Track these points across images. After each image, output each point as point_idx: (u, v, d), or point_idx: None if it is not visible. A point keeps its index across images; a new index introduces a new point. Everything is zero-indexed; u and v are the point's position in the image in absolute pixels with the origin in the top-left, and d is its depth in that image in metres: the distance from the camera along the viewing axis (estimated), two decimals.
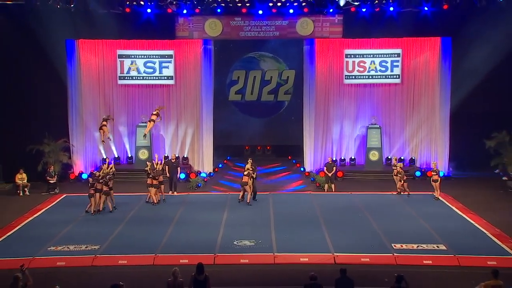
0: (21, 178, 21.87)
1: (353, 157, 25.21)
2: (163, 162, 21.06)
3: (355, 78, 24.83)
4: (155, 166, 20.04)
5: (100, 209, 18.30)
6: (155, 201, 19.39)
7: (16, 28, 22.68)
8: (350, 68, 24.72)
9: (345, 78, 24.79)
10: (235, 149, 28.23)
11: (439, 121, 24.33)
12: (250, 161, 20.40)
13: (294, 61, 26.39)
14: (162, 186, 19.91)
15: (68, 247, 15.04)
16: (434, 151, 24.62)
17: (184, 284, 10.84)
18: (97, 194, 18.29)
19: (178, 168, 21.96)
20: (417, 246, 14.95)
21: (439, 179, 20.22)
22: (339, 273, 11.29)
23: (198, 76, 24.62)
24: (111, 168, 19.49)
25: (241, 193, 19.67)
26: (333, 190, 21.66)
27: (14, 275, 10.33)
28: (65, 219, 17.80)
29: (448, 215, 18.21)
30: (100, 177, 18.51)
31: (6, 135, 23.49)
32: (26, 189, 21.82)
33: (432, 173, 20.54)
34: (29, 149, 22.42)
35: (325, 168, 22.14)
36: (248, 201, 19.40)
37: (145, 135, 22.73)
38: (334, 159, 24.06)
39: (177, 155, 23.55)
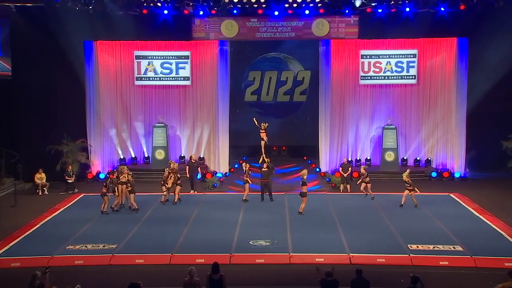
0: (40, 177, 22.09)
1: (368, 158, 25.11)
2: (178, 162, 21.17)
3: (370, 79, 24.72)
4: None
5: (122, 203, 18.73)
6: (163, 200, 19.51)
7: (36, 30, 22.91)
8: (366, 69, 24.62)
9: (361, 79, 24.70)
10: (251, 150, 28.20)
11: (456, 122, 24.11)
12: (247, 164, 20.34)
13: (310, 62, 26.30)
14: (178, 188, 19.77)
15: (86, 246, 15.15)
16: (450, 152, 24.41)
17: (200, 283, 10.85)
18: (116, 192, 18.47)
19: (199, 168, 22.08)
20: (433, 247, 14.82)
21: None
22: (354, 274, 11.24)
23: (214, 77, 24.68)
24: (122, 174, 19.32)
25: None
26: (349, 191, 21.64)
27: (33, 273, 10.42)
28: (83, 218, 17.95)
29: (464, 216, 18.04)
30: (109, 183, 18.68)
31: (26, 136, 23.76)
32: (45, 188, 22.04)
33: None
34: (48, 149, 22.62)
35: (340, 168, 22.12)
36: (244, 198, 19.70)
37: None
38: (349, 159, 24.11)
39: (201, 156, 23.64)
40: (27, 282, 10.51)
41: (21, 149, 23.67)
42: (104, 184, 18.76)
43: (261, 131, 21.49)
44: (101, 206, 18.49)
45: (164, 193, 19.46)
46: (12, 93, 23.59)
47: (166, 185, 19.47)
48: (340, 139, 24.91)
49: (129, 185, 18.65)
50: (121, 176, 18.73)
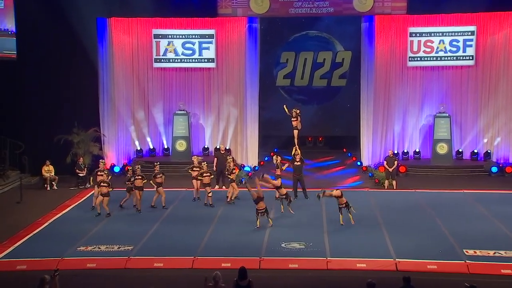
0: (48, 170, 22.38)
1: (417, 150, 24.90)
2: (201, 154, 21.20)
3: (420, 60, 24.44)
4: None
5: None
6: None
7: (43, 5, 23.17)
8: (415, 49, 24.31)
9: (409, 60, 24.44)
10: (283, 140, 28.14)
11: None
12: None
13: (351, 41, 26.13)
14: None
15: (99, 248, 15.29)
16: None
17: None
18: (136, 191, 18.61)
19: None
20: (494, 253, 14.56)
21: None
22: (401, 282, 11.11)
23: (242, 58, 24.66)
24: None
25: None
26: (394, 187, 21.55)
27: (41, 277, 10.52)
28: (95, 216, 18.11)
29: None
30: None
31: (32, 124, 24.10)
32: (53, 182, 22.35)
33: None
34: (57, 139, 22.88)
35: (385, 162, 21.99)
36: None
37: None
38: (395, 152, 23.93)
39: (227, 148, 23.70)
40: (34, 287, 10.62)
41: (27, 139, 24.04)
42: (129, 176, 18.88)
43: (292, 119, 21.38)
44: (121, 201, 18.66)
45: (210, 194, 19.27)
46: (17, 76, 23.91)
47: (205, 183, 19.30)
48: (385, 128, 24.72)
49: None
50: (137, 178, 18.75)
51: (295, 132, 21.36)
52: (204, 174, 19.40)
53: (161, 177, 19.04)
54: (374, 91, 24.35)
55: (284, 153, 25.00)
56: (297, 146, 20.92)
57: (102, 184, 18.21)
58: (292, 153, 20.84)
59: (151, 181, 18.93)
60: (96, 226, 17.16)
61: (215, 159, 21.78)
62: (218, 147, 23.63)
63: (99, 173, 19.01)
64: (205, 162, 20.19)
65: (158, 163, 20.10)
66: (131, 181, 18.86)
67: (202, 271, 12.72)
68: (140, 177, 18.79)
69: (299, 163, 20.15)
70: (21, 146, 23.81)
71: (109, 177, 19.09)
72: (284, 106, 21.55)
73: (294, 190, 20.09)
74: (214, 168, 21.57)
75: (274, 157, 20.42)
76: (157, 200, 18.95)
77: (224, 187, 21.30)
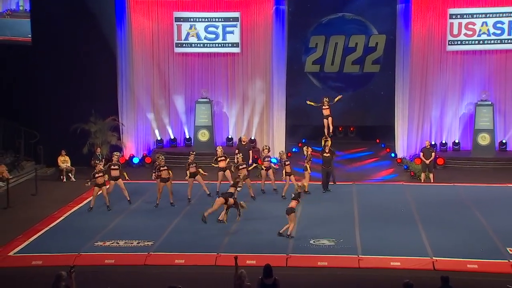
0: (64, 161, 22.62)
1: (457, 141, 24.69)
2: (225, 145, 21.16)
3: (461, 44, 24.19)
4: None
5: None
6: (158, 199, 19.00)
7: None
8: (456, 32, 24.08)
9: (449, 44, 24.21)
10: (313, 130, 28.07)
11: None
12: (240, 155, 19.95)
13: (385, 24, 25.99)
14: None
15: (117, 243, 15.43)
16: None
17: None
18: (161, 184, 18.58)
19: (250, 152, 21.97)
20: None
21: None
22: (439, 282, 11.02)
23: (268, 43, 24.61)
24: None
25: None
26: (432, 181, 21.43)
27: (57, 273, 10.64)
28: (114, 209, 18.31)
29: None
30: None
31: (48, 113, 24.34)
32: (70, 174, 22.57)
33: None
34: (73, 128, 23.11)
35: (421, 153, 21.85)
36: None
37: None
38: (433, 143, 23.76)
39: (252, 138, 23.71)
40: (49, 283, 10.75)
41: (42, 128, 24.33)
42: (154, 170, 18.90)
43: (323, 107, 21.27)
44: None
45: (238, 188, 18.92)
46: (32, 62, 24.15)
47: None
48: (421, 118, 24.56)
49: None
50: (162, 169, 18.63)
51: (327, 121, 21.24)
52: (241, 167, 19.30)
53: (194, 166, 19.06)
54: (410, 78, 24.16)
55: (313, 144, 24.95)
56: (327, 137, 20.80)
57: (97, 175, 18.24)
58: (322, 143, 20.77)
59: (187, 171, 18.92)
60: (114, 220, 17.32)
61: (236, 150, 21.76)
62: (241, 137, 23.59)
63: (113, 167, 18.96)
64: (240, 154, 20.11)
65: (194, 152, 20.02)
66: (156, 174, 18.75)
67: (226, 269, 12.78)
68: (165, 168, 18.61)
69: (328, 154, 20.07)
70: (36, 135, 24.11)
71: (124, 173, 19.06)
72: (308, 101, 21.33)
73: (324, 183, 20.03)
74: (236, 160, 21.52)
75: (305, 148, 20.29)
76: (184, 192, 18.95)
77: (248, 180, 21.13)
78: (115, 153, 19.85)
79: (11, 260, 14.49)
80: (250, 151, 21.98)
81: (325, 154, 20.10)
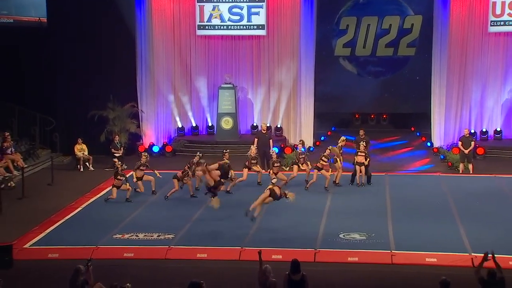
0: (81, 149, 22.81)
1: (498, 129, 24.62)
2: (250, 133, 21.13)
3: (504, 25, 24.05)
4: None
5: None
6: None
7: None
8: (498, 12, 23.91)
9: (491, 25, 24.06)
10: (343, 118, 28.03)
11: None
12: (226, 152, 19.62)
13: (421, 4, 25.92)
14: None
15: (137, 235, 15.54)
16: None
17: (277, 285, 10.86)
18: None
19: (270, 141, 22.01)
20: None
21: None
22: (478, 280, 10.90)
23: (296, 24, 24.59)
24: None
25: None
26: (471, 172, 21.33)
27: (76, 267, 10.76)
28: (133, 201, 18.42)
29: None
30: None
31: (64, 98, 24.61)
32: (87, 163, 22.77)
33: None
34: (91, 115, 23.30)
35: (460, 143, 21.73)
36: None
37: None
38: (472, 131, 23.62)
39: (268, 125, 23.65)
40: (67, 277, 10.87)
41: (59, 115, 24.58)
42: (188, 166, 18.79)
43: (359, 153, 20.02)
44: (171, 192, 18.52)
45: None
46: (47, 45, 24.34)
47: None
48: (460, 104, 24.45)
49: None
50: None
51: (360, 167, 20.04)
52: (276, 164, 19.19)
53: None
54: (448, 62, 24.03)
55: (343, 132, 24.91)
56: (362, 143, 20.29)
57: (118, 177, 18.29)
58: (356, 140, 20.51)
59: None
60: (133, 212, 17.43)
61: (255, 139, 21.73)
62: (268, 124, 23.53)
63: (142, 167, 19.00)
64: (255, 146, 20.06)
65: (228, 150, 19.70)
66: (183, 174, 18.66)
67: (250, 263, 12.81)
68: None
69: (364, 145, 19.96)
70: (52, 122, 24.34)
71: (157, 173, 18.96)
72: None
73: (353, 175, 19.93)
74: (254, 150, 21.49)
75: (341, 140, 20.07)
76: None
77: (270, 171, 21.04)
78: (143, 153, 19.84)
79: (27, 253, 14.65)
80: (270, 140, 21.91)
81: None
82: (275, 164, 19.19)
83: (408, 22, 26.63)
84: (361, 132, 21.36)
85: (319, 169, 19.25)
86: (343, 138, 20.34)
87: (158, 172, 19.27)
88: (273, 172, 18.85)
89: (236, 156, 20.75)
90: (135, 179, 19.11)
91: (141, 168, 19.08)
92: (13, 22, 24.01)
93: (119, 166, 19.03)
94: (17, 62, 24.68)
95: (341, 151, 19.79)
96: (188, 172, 18.54)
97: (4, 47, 24.25)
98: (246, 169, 19.55)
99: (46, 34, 24.29)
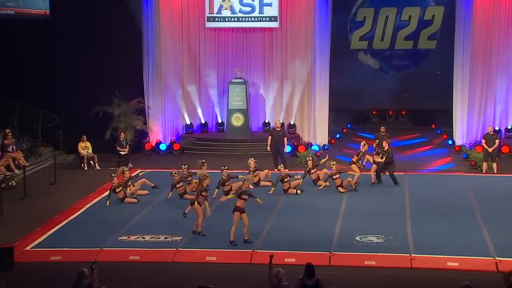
0: (85, 147, 22.87)
1: None
2: (261, 130, 21.12)
3: None
4: None
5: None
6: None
7: None
8: None
9: None
10: (359, 114, 27.98)
11: None
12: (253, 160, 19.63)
13: None
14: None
15: (143, 237, 15.56)
16: None
17: None
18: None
19: (285, 139, 21.98)
20: None
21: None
22: (503, 285, 10.85)
23: (310, 16, 24.60)
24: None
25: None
26: (495, 171, 21.28)
27: (79, 270, 10.79)
28: (140, 201, 18.46)
29: None
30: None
31: (68, 94, 24.70)
32: (92, 162, 22.82)
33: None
34: (96, 111, 23.38)
35: (483, 140, 21.64)
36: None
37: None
38: (496, 128, 23.62)
39: (282, 121, 23.65)
40: (69, 280, 10.91)
41: (62, 111, 24.67)
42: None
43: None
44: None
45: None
46: (50, 39, 24.42)
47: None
48: (484, 100, 24.40)
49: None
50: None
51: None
52: (285, 179, 19.09)
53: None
54: (471, 55, 24.00)
55: (359, 130, 24.88)
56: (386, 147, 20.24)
57: (117, 189, 18.14)
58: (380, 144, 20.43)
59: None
60: (140, 213, 17.47)
61: (269, 137, 21.73)
62: (281, 121, 23.54)
63: (129, 183, 18.68)
64: (253, 159, 19.85)
65: (255, 160, 19.61)
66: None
67: (262, 267, 12.79)
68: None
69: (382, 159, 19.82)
70: (54, 118, 24.43)
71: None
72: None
73: (378, 174, 19.84)
74: (268, 148, 21.55)
75: (363, 144, 19.97)
76: None
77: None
78: (125, 169, 19.58)
79: (29, 255, 14.69)
80: (285, 138, 21.87)
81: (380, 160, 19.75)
82: (285, 180, 19.01)
83: (429, 13, 26.57)
84: (382, 129, 21.27)
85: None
86: (363, 143, 20.11)
87: (153, 184, 19.32)
88: (284, 189, 18.80)
89: (247, 155, 20.70)
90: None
91: (129, 184, 18.78)
92: (14, 14, 24.11)
93: (126, 171, 19.04)
94: (19, 56, 24.74)
95: (363, 157, 19.72)
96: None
97: (5, 40, 24.34)
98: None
99: (50, 27, 24.33)
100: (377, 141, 20.72)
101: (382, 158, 19.60)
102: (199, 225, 15.55)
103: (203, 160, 18.79)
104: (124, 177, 18.90)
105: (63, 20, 24.33)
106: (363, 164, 19.85)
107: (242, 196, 15.03)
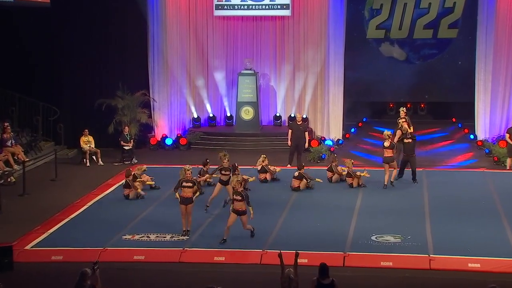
0: (87, 141, 22.91)
1: None
2: (272, 124, 21.09)
3: None
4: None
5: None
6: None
7: None
8: None
9: None
10: (375, 108, 27.94)
11: None
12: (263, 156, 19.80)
13: None
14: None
15: (148, 236, 15.61)
16: None
17: None
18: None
19: (306, 134, 21.75)
20: None
21: None
22: None
23: (324, 4, 24.62)
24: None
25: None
26: None
27: (82, 270, 10.83)
28: (145, 197, 18.52)
29: None
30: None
31: (69, 86, 24.80)
32: (94, 157, 22.88)
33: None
34: (98, 104, 23.45)
35: (507, 135, 21.59)
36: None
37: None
38: None
39: (304, 116, 23.61)
40: (71, 281, 10.95)
41: (63, 104, 24.74)
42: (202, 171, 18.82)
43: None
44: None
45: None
46: (50, 28, 24.50)
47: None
48: (508, 92, 24.37)
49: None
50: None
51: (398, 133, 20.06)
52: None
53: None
54: (495, 45, 23.92)
55: (375, 124, 24.81)
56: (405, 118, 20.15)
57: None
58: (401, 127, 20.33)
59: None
60: (145, 210, 17.52)
61: (289, 131, 21.68)
62: (293, 115, 23.55)
63: (224, 172, 17.34)
64: (264, 155, 20.05)
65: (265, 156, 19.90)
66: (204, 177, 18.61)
67: (272, 268, 12.82)
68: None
69: (410, 140, 19.74)
70: (56, 111, 24.47)
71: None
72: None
73: (401, 169, 19.84)
74: (289, 142, 21.51)
75: (387, 133, 19.70)
76: None
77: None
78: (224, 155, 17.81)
79: (28, 255, 14.75)
80: (306, 132, 21.71)
81: (406, 140, 19.71)
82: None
83: (449, 1, 26.49)
84: (402, 113, 20.38)
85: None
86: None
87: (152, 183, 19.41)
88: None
89: (257, 150, 20.72)
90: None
91: (224, 172, 17.42)
92: (13, 2, 24.13)
93: (137, 171, 19.13)
94: (18, 45, 24.78)
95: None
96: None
97: (4, 29, 24.39)
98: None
99: (51, 16, 24.34)
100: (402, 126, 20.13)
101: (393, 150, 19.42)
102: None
103: (225, 153, 17.69)
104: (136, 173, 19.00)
105: (64, 9, 24.31)
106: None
107: (235, 197, 14.99)
